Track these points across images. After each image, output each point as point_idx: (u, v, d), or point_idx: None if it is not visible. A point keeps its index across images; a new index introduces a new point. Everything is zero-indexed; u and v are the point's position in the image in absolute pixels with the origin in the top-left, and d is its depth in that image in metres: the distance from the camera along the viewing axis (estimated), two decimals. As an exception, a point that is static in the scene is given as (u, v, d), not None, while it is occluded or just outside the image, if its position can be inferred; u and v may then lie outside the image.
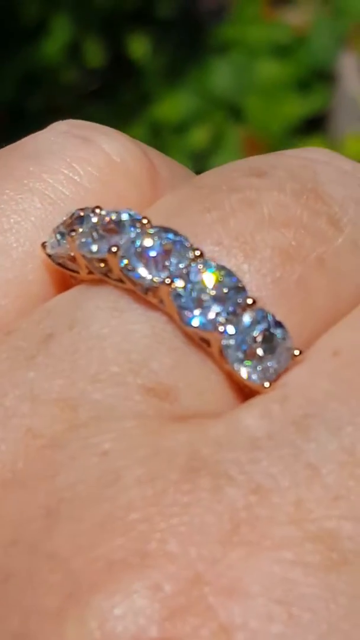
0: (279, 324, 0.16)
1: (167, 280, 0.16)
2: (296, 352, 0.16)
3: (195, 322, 0.16)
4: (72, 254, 0.18)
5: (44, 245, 0.18)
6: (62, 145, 0.19)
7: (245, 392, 0.16)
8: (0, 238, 0.18)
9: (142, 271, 0.17)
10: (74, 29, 1.51)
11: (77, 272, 0.18)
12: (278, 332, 0.16)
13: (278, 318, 0.16)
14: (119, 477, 0.15)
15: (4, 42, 1.49)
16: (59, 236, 0.18)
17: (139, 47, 1.53)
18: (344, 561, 0.14)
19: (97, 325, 0.16)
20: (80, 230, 0.18)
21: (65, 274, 0.18)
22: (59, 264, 0.18)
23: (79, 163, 0.19)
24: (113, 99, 1.51)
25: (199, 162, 1.41)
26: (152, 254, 0.17)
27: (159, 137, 1.45)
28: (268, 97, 1.43)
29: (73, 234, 0.17)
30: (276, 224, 0.17)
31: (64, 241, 0.18)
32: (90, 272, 0.17)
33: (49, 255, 0.18)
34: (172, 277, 0.16)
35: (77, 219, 0.18)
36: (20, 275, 0.18)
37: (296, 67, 1.46)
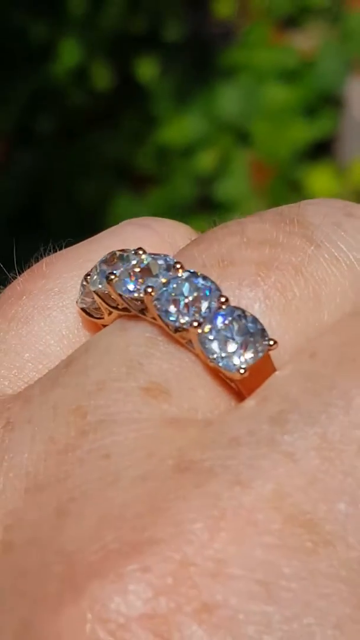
0: (252, 319, 0.18)
1: (149, 290, 0.19)
2: (270, 343, 0.18)
3: (175, 323, 0.18)
4: (93, 299, 0.20)
5: (78, 301, 0.21)
6: (122, 230, 0.22)
7: (233, 388, 0.18)
8: (57, 298, 0.21)
9: (130, 288, 0.19)
10: (82, 52, 1.51)
11: (101, 318, 0.20)
12: (251, 325, 0.18)
13: (255, 315, 0.18)
14: (117, 479, 0.16)
15: (12, 64, 1.50)
16: (81, 287, 0.21)
17: (147, 70, 1.53)
18: (324, 543, 0.15)
19: (103, 342, 0.19)
20: (91, 272, 0.20)
21: (100, 327, 0.20)
22: (88, 314, 0.20)
23: (134, 241, 0.21)
24: (120, 122, 1.51)
25: (206, 186, 1.41)
26: (137, 271, 0.19)
27: (166, 161, 1.45)
28: (275, 121, 1.43)
29: (88, 277, 0.20)
30: (253, 244, 0.19)
31: (84, 289, 0.20)
32: (110, 314, 0.20)
33: (82, 309, 0.21)
34: (154, 288, 0.19)
35: (93, 269, 0.20)
36: (74, 329, 0.21)
37: (304, 92, 1.46)
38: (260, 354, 0.18)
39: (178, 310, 0.18)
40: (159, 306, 0.18)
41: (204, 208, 1.40)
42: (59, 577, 0.16)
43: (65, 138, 1.51)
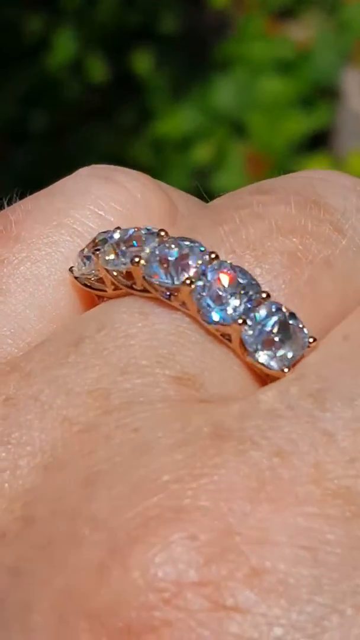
0: (292, 315, 0.18)
1: (187, 282, 0.18)
2: (310, 340, 0.18)
3: (216, 317, 0.18)
4: (98, 272, 0.19)
5: (71, 269, 0.20)
6: (87, 184, 0.21)
7: (265, 381, 0.18)
8: (33, 268, 0.20)
9: (164, 276, 0.18)
10: (77, 46, 1.51)
11: (104, 290, 0.19)
12: (292, 322, 0.18)
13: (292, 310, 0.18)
14: (150, 448, 0.16)
15: (7, 58, 1.49)
16: (84, 259, 0.20)
17: (142, 63, 1.53)
18: None
19: (124, 326, 0.18)
20: (104, 248, 0.19)
21: (94, 298, 0.20)
22: (86, 285, 0.20)
23: (103, 199, 0.21)
24: (116, 115, 1.50)
25: (202, 179, 1.41)
26: (171, 259, 0.18)
27: (162, 154, 1.44)
28: (271, 113, 1.43)
29: (98, 252, 0.19)
30: (283, 232, 0.19)
31: (89, 262, 0.20)
32: (116, 288, 0.19)
33: (76, 278, 0.20)
34: (192, 279, 0.18)
35: (100, 241, 0.20)
36: (53, 302, 0.20)
37: (300, 83, 1.45)
38: (301, 352, 0.18)
39: (220, 304, 0.18)
40: (198, 299, 0.18)
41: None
42: (96, 544, 0.16)
43: (61, 132, 1.50)
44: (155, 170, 1.44)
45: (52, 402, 0.17)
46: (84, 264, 0.20)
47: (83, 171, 0.22)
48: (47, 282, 0.20)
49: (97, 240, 0.20)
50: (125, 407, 0.17)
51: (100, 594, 0.15)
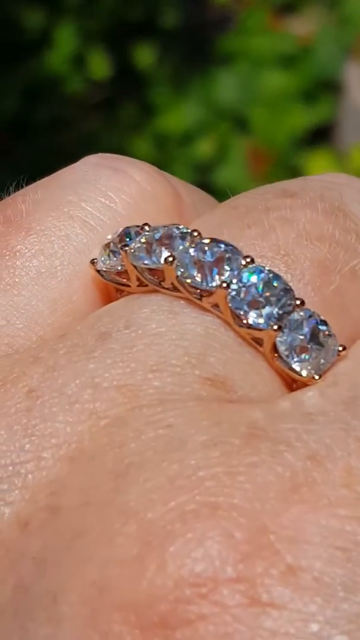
0: (324, 322, 0.18)
1: (224, 285, 0.18)
2: (340, 348, 0.18)
3: (251, 322, 0.18)
4: (123, 267, 0.19)
5: (93, 262, 0.20)
6: (96, 175, 0.21)
7: (292, 387, 0.18)
8: (46, 261, 0.20)
9: (198, 278, 0.18)
10: (79, 40, 1.51)
11: (127, 285, 0.19)
12: (324, 329, 0.18)
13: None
14: (185, 443, 0.16)
15: (8, 53, 1.49)
16: (110, 253, 0.20)
17: (144, 57, 1.53)
18: None
19: (153, 324, 0.18)
20: (134, 244, 0.19)
21: (110, 292, 0.20)
22: (108, 279, 0.20)
23: (114, 191, 0.21)
24: (118, 110, 1.50)
25: (204, 173, 1.40)
26: (206, 261, 0.18)
27: (164, 149, 1.44)
28: (273, 107, 1.43)
29: (126, 248, 0.19)
30: (312, 239, 0.19)
31: (115, 257, 0.20)
32: (140, 284, 0.19)
33: (98, 271, 0.20)
34: (227, 282, 0.18)
35: (127, 235, 0.20)
36: (66, 295, 0.20)
37: (302, 77, 1.45)
38: (332, 360, 0.18)
39: (256, 309, 0.18)
40: (233, 302, 0.18)
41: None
42: (131, 537, 0.16)
43: (63, 127, 1.50)
44: (158, 164, 1.44)
45: (78, 396, 0.17)
46: (109, 257, 0.20)
47: (91, 159, 0.22)
48: (60, 276, 0.20)
49: (123, 234, 0.20)
50: (156, 403, 0.17)
51: (136, 587, 0.15)
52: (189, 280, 0.18)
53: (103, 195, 0.21)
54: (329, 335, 0.18)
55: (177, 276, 0.19)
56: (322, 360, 0.18)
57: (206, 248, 0.19)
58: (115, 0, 1.54)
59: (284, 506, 0.16)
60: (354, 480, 0.16)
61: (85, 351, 0.18)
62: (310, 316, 0.18)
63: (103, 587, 0.15)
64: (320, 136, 1.46)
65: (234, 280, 0.18)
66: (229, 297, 0.18)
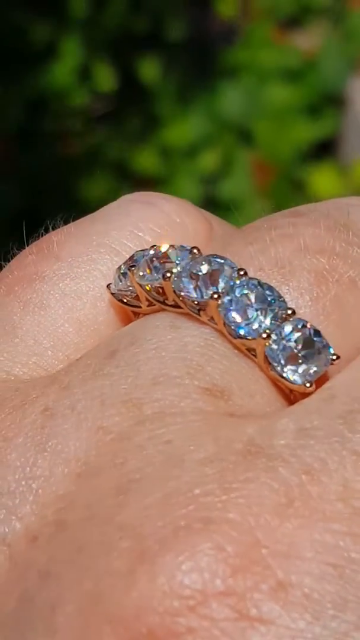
0: (317, 332, 0.18)
1: (215, 296, 0.19)
2: (334, 357, 0.18)
3: (241, 332, 0.18)
4: (133, 289, 0.20)
5: (108, 286, 0.21)
6: (128, 208, 0.22)
7: (290, 397, 0.19)
8: (72, 284, 0.21)
9: (192, 291, 0.19)
10: (84, 53, 1.51)
11: (139, 307, 0.20)
12: (317, 339, 0.18)
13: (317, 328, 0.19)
14: (183, 460, 0.17)
15: (13, 65, 1.50)
16: (120, 275, 0.20)
17: (149, 70, 1.53)
18: None
19: (155, 339, 0.19)
20: (138, 265, 0.20)
21: (130, 314, 0.20)
22: (121, 301, 0.20)
23: (142, 221, 0.21)
24: (123, 122, 1.51)
25: (209, 186, 1.41)
26: (201, 274, 0.19)
27: (169, 161, 1.45)
28: (278, 121, 1.43)
29: (133, 269, 0.20)
30: (311, 252, 0.19)
31: (125, 278, 0.20)
32: (150, 304, 0.20)
33: (113, 294, 0.21)
34: (219, 294, 0.19)
35: (136, 258, 0.20)
36: (91, 316, 0.21)
37: (306, 91, 1.46)
38: (324, 368, 0.18)
39: (247, 319, 0.19)
40: (225, 313, 0.19)
41: (208, 208, 1.40)
42: (126, 551, 0.16)
43: (68, 139, 1.51)
44: (162, 177, 1.44)
45: (88, 412, 0.18)
46: (120, 280, 0.20)
47: (126, 197, 0.23)
48: (85, 298, 0.21)
49: (133, 258, 0.20)
50: (158, 417, 0.17)
51: (126, 598, 0.15)
52: (184, 294, 0.19)
53: (131, 224, 0.21)
54: (322, 344, 0.18)
55: (174, 290, 0.19)
56: (314, 368, 0.18)
57: (203, 262, 0.19)
58: (120, 13, 1.55)
59: (278, 521, 0.16)
60: (350, 495, 0.16)
61: (95, 370, 0.18)
62: (303, 325, 0.18)
63: (97, 598, 0.16)
64: (325, 150, 1.46)
65: (227, 292, 0.19)
66: (220, 309, 0.19)
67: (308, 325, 0.19)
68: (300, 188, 1.41)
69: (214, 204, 1.40)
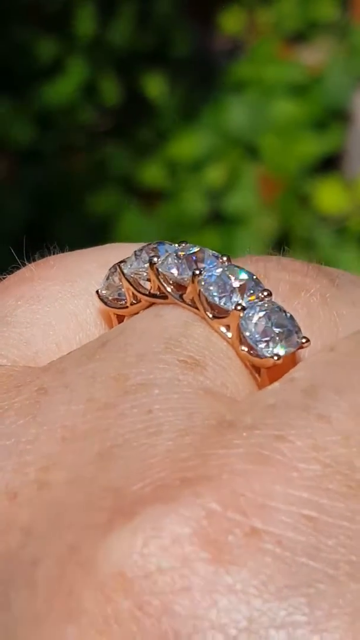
0: (290, 315, 0.20)
1: (197, 272, 0.20)
2: (303, 340, 0.19)
3: (219, 302, 0.20)
4: (119, 287, 0.21)
5: (97, 292, 0.22)
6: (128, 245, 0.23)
7: (258, 374, 0.20)
8: (68, 285, 0.22)
9: (175, 271, 0.20)
10: (90, 68, 1.52)
11: (125, 307, 0.21)
12: (288, 321, 0.19)
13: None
14: (161, 430, 0.17)
15: (20, 81, 1.50)
16: (109, 276, 0.22)
17: (155, 86, 1.53)
18: None
19: (142, 326, 0.20)
20: (126, 260, 0.21)
21: (115, 323, 0.22)
22: (107, 304, 0.22)
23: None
24: (129, 137, 1.51)
25: (215, 200, 1.41)
26: (186, 255, 0.20)
27: (175, 176, 1.45)
28: (283, 136, 1.44)
29: (121, 264, 0.21)
30: (287, 270, 0.21)
31: (112, 278, 0.21)
32: (134, 303, 0.21)
33: (100, 297, 0.22)
34: (201, 270, 0.20)
35: (129, 258, 0.21)
36: (82, 311, 0.22)
37: (312, 106, 1.46)
38: (295, 347, 0.19)
39: (224, 294, 0.20)
40: (204, 289, 0.20)
41: (213, 222, 1.40)
42: (108, 508, 0.16)
43: (74, 154, 1.51)
44: (169, 192, 1.45)
45: (80, 388, 0.19)
46: (108, 281, 0.22)
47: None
48: (78, 299, 0.22)
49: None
50: (140, 388, 0.18)
51: (100, 544, 0.16)
52: (167, 274, 0.20)
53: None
54: (295, 326, 0.19)
55: (157, 273, 0.20)
56: (284, 346, 0.19)
57: (190, 247, 0.21)
58: (126, 30, 1.55)
59: (254, 477, 0.16)
60: (321, 454, 0.17)
61: (88, 356, 0.20)
62: (278, 307, 0.20)
63: (74, 549, 0.16)
64: (330, 164, 1.46)
65: (208, 271, 0.20)
66: (200, 285, 0.20)
67: (282, 309, 0.20)
68: (306, 202, 1.42)
69: (219, 218, 1.40)
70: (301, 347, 0.19)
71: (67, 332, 0.22)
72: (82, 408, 0.18)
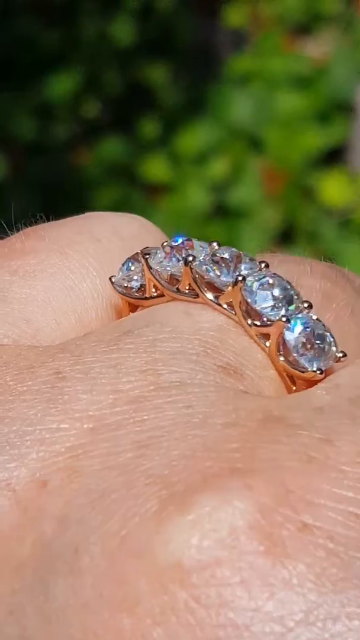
0: (328, 329, 0.19)
1: (240, 278, 0.19)
2: (340, 355, 0.19)
3: (266, 314, 0.19)
4: (137, 277, 0.21)
5: (111, 279, 0.21)
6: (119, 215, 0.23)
7: (293, 384, 0.19)
8: (62, 258, 0.22)
9: (214, 274, 0.20)
10: (94, 60, 1.52)
11: (144, 298, 0.21)
12: (327, 334, 0.19)
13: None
14: (206, 423, 0.17)
15: (23, 73, 1.50)
16: (129, 264, 0.21)
17: (158, 78, 1.53)
18: None
19: (172, 322, 0.19)
20: (154, 253, 0.21)
21: (125, 311, 0.21)
22: (122, 292, 0.21)
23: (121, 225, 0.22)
24: (132, 130, 1.51)
25: (219, 193, 1.41)
26: (226, 258, 0.20)
27: (179, 168, 1.45)
28: (287, 128, 1.44)
29: (147, 257, 0.21)
30: (317, 277, 0.21)
31: (132, 268, 0.21)
32: (158, 296, 0.20)
33: (113, 284, 0.21)
34: (244, 276, 0.20)
35: (156, 249, 0.21)
36: (79, 284, 0.21)
37: (316, 99, 1.46)
38: (334, 361, 0.19)
39: (269, 304, 0.19)
40: (248, 295, 0.19)
41: (217, 215, 1.40)
42: (155, 494, 0.16)
43: (78, 147, 1.51)
44: (173, 184, 1.45)
45: (103, 377, 0.18)
46: (125, 269, 0.21)
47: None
48: (74, 275, 0.21)
49: (147, 248, 0.21)
50: (177, 386, 0.18)
51: (154, 535, 0.16)
52: (206, 277, 0.20)
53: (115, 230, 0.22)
54: (332, 340, 0.19)
55: (195, 274, 0.20)
56: (323, 359, 0.19)
57: (224, 251, 0.20)
58: (130, 22, 1.55)
59: (303, 474, 0.16)
60: None
61: (109, 344, 0.19)
62: (317, 319, 0.19)
63: (124, 538, 0.16)
64: (334, 157, 1.46)
65: (250, 277, 0.20)
66: (243, 291, 0.19)
67: (321, 321, 0.19)
68: (310, 195, 1.42)
69: (223, 211, 1.40)
70: (339, 361, 0.19)
71: (66, 307, 0.21)
72: (109, 400, 0.18)
